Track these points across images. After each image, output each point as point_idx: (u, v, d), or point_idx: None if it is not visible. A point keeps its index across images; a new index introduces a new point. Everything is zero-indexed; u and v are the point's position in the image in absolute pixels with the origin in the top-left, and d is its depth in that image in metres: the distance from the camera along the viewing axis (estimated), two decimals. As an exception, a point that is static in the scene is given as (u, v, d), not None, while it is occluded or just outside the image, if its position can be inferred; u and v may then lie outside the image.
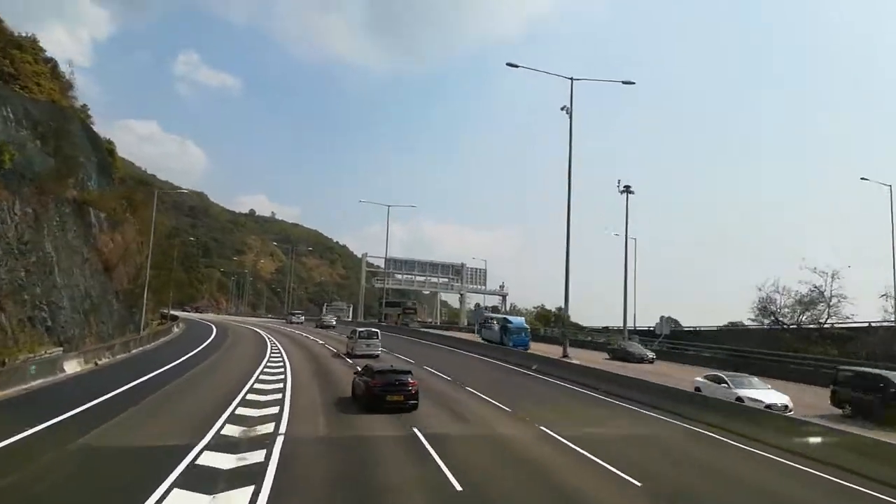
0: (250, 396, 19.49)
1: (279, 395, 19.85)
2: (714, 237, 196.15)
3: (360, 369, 20.40)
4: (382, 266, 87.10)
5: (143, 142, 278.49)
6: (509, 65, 34.04)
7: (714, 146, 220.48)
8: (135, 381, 21.89)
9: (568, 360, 30.68)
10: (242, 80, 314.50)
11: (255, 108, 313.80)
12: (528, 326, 44.31)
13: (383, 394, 17.56)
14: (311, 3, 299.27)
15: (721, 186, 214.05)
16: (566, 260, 33.51)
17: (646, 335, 57.08)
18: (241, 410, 17.26)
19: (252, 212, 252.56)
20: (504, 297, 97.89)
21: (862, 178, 40.66)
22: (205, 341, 42.72)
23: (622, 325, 54.71)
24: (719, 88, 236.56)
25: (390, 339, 48.19)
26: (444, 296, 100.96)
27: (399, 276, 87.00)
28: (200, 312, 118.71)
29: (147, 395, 19.01)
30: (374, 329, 37.81)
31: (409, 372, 19.36)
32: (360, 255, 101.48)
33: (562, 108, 33.19)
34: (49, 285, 29.32)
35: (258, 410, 17.26)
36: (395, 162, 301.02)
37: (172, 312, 71.19)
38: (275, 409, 17.42)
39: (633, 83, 35.82)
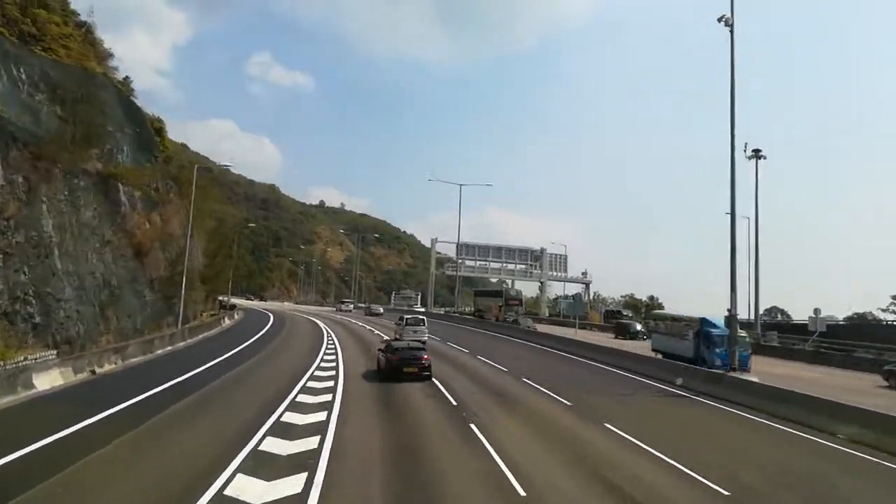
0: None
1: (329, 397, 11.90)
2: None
3: (382, 346, 22.83)
4: (453, 253, 79.20)
5: (223, 139, 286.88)
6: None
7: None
8: (121, 403, 14.69)
9: (738, 377, 20.53)
10: (314, 77, 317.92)
11: (326, 104, 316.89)
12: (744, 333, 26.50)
13: (401, 366, 19.84)
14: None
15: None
16: (731, 237, 23.51)
17: (786, 331, 45.94)
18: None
19: (322, 203, 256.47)
20: (587, 285, 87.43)
21: None
22: (254, 336, 36.18)
23: (753, 317, 43.83)
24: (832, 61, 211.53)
25: (488, 340, 39.74)
26: (517, 284, 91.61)
27: (470, 263, 78.28)
28: (264, 301, 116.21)
29: (110, 439, 11.51)
30: (420, 316, 38.96)
31: (422, 348, 21.78)
32: (428, 245, 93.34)
33: (719, 19, 23.23)
34: (44, 272, 22.91)
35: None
36: (462, 151, 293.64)
37: (233, 301, 66.19)
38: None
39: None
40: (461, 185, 65.40)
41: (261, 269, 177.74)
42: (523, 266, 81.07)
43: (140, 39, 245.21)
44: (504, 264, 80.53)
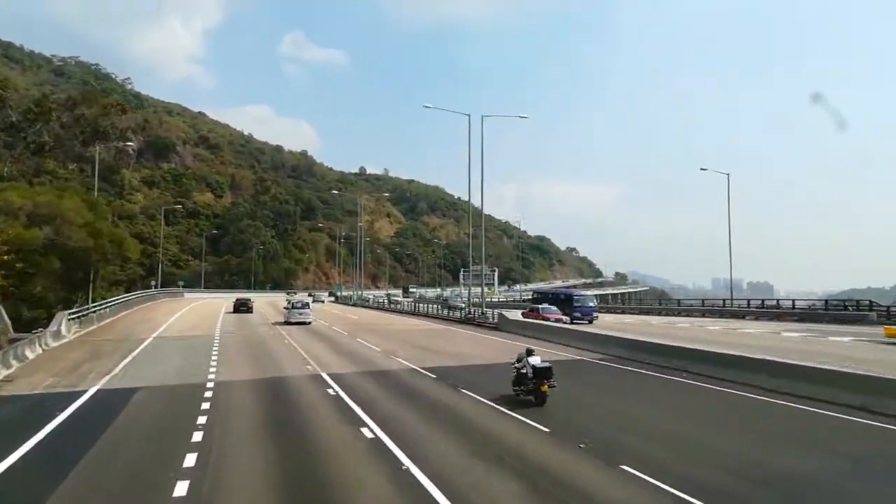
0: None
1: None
2: None
3: (286, 305, 39.44)
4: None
5: (260, 124, 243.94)
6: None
7: None
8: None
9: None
10: (348, 53, 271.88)
11: (362, 80, 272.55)
12: None
13: (290, 315, 34.31)
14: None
15: None
16: None
17: None
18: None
19: (363, 169, 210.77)
20: None
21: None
22: None
23: None
24: None
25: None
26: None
27: None
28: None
29: None
30: (307, 300, 44.54)
31: (308, 305, 36.00)
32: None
33: None
34: None
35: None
36: (506, 120, 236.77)
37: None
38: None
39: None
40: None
41: (287, 248, 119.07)
42: None
43: (174, 26, 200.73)
44: None
